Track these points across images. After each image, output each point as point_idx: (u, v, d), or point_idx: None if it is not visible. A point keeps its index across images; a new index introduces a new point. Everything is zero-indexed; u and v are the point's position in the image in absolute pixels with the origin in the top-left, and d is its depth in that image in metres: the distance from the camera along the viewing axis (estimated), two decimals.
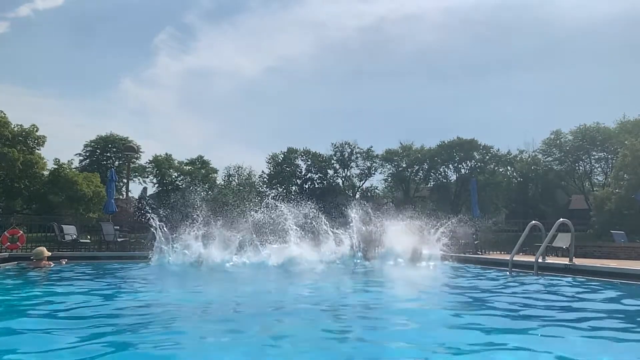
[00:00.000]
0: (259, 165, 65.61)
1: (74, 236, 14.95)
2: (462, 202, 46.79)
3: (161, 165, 49.74)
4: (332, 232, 13.09)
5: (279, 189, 45.51)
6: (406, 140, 51.25)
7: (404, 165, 50.80)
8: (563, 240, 12.79)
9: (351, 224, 13.38)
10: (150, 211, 12.07)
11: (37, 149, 34.02)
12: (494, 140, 62.52)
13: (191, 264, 11.23)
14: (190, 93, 75.08)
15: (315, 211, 13.11)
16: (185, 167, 50.74)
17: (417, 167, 51.31)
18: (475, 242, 15.52)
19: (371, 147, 50.75)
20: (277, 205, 12.82)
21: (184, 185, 45.85)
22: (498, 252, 15.29)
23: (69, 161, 38.02)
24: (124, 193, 41.62)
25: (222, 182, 49.86)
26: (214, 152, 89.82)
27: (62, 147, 77.07)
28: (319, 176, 50.68)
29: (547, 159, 47.55)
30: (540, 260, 9.77)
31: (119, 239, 15.47)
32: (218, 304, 6.27)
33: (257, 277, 9.95)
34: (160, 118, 74.88)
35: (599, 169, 46.32)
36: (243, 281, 9.22)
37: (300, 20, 73.60)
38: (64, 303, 5.75)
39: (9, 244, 13.20)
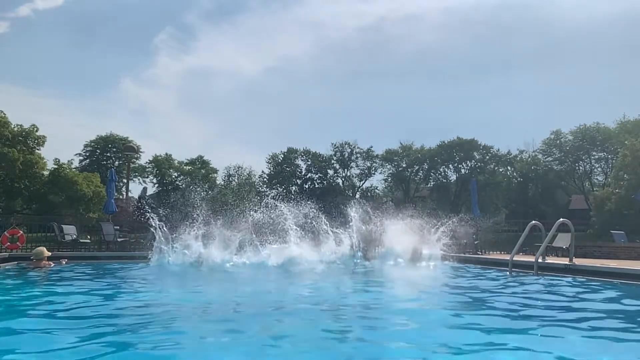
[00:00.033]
0: (259, 165, 65.65)
1: (74, 236, 14.95)
2: (462, 202, 46.80)
3: (161, 165, 49.72)
4: (332, 231, 13.08)
5: (279, 188, 45.51)
6: (406, 140, 51.31)
7: (404, 165, 50.80)
8: (563, 240, 12.79)
9: (351, 224, 13.38)
10: (149, 211, 12.07)
11: (37, 149, 34.02)
12: (494, 140, 62.59)
13: (191, 264, 11.23)
14: (190, 93, 75.15)
15: (315, 211, 13.11)
16: (185, 167, 50.73)
17: (417, 167, 51.31)
18: (475, 242, 15.53)
19: (371, 147, 50.80)
20: (276, 205, 12.81)
21: (183, 185, 45.85)
22: (498, 252, 15.29)
23: (69, 161, 38.07)
24: (124, 193, 41.62)
25: (222, 182, 49.85)
26: (214, 152, 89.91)
27: (62, 147, 77.22)
28: (319, 176, 50.69)
29: (547, 159, 47.55)
30: (540, 260, 9.77)
31: (119, 239, 15.47)
32: (218, 304, 6.26)
33: (257, 277, 9.95)
34: (160, 118, 74.94)
35: (599, 169, 46.33)
36: (243, 281, 9.22)
37: (300, 20, 73.65)
38: (64, 303, 5.75)
39: (9, 244, 13.20)
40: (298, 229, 12.66)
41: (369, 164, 51.36)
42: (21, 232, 13.93)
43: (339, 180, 51.26)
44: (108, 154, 49.86)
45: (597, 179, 47.02)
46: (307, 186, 49.60)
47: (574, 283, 8.18)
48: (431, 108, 72.27)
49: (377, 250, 13.74)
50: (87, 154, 49.49)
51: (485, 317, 5.21)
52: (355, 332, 4.41)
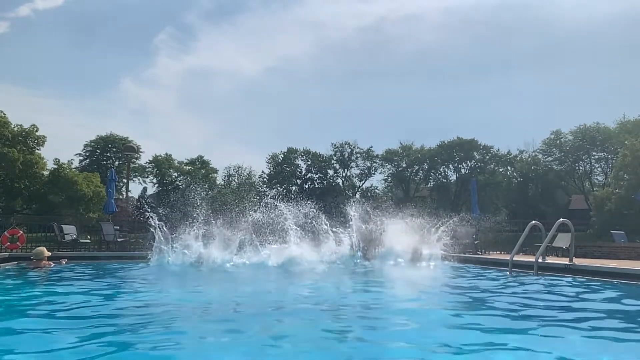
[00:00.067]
0: (259, 165, 65.63)
1: (74, 236, 14.94)
2: (462, 202, 46.81)
3: (161, 165, 49.76)
4: (332, 231, 13.07)
5: (279, 188, 45.54)
6: (406, 140, 51.36)
7: (404, 165, 50.84)
8: (563, 240, 12.78)
9: (350, 222, 13.36)
10: (149, 210, 12.06)
11: (37, 149, 34.05)
12: (494, 140, 62.64)
13: (191, 264, 11.23)
14: (190, 93, 75.20)
15: (315, 211, 13.10)
16: (185, 167, 50.76)
17: (417, 167, 51.37)
18: (475, 242, 15.52)
19: (371, 147, 50.86)
20: (276, 205, 12.81)
21: (183, 185, 45.88)
22: (498, 252, 15.28)
23: (69, 161, 38.11)
24: (124, 193, 41.63)
25: (222, 182, 49.86)
26: (214, 152, 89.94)
27: (62, 147, 77.26)
28: (319, 176, 50.71)
29: (547, 159, 47.57)
30: (540, 260, 9.77)
31: (119, 239, 15.47)
32: (218, 304, 6.26)
33: (257, 277, 9.95)
34: (160, 118, 75.01)
35: (599, 169, 46.37)
36: (243, 281, 9.22)
37: (300, 20, 73.69)
38: (64, 303, 5.75)
39: (9, 244, 13.19)
40: (298, 228, 12.65)
41: (369, 164, 51.42)
42: (21, 232, 13.93)
43: (339, 180, 51.31)
44: (108, 154, 49.89)
45: (597, 179, 47.06)
46: (307, 186, 49.61)
47: (574, 283, 8.18)
48: (431, 108, 72.40)
49: (377, 250, 13.73)
50: (87, 154, 49.54)
51: (485, 317, 5.21)
52: (355, 332, 4.41)
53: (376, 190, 52.51)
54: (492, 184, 47.64)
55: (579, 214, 40.91)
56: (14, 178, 31.95)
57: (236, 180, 49.45)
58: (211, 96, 76.58)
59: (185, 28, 71.77)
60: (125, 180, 38.41)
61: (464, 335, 4.26)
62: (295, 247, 12.23)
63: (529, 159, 47.80)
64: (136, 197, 48.36)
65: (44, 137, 34.21)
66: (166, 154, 50.97)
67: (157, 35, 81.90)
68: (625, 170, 31.62)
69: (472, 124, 74.24)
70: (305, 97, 77.72)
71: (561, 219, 10.26)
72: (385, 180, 53.34)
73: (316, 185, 50.02)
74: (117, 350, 3.54)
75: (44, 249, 10.54)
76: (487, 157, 49.36)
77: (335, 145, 50.79)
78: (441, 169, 50.91)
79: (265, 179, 50.37)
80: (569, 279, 8.57)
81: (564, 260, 10.06)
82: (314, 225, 13.01)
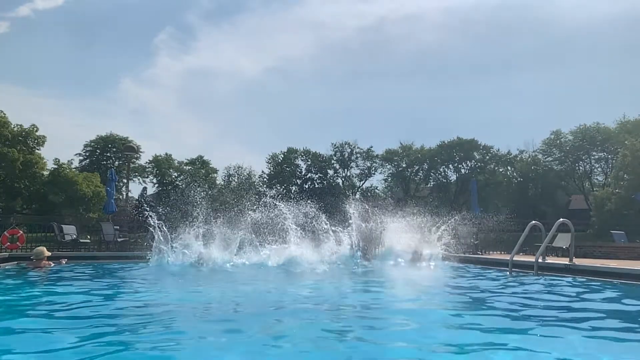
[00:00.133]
0: (259, 165, 65.64)
1: (74, 236, 14.94)
2: (462, 202, 46.81)
3: (161, 165, 49.77)
4: (332, 230, 13.06)
5: (279, 188, 45.54)
6: (406, 140, 51.37)
7: (404, 165, 50.85)
8: (563, 240, 12.79)
9: (350, 221, 13.34)
10: (148, 209, 12.04)
11: (37, 149, 34.06)
12: (494, 140, 62.68)
13: (191, 264, 11.23)
14: (190, 93, 75.17)
15: (315, 210, 13.09)
16: (185, 167, 50.76)
17: (417, 167, 51.37)
18: (475, 242, 15.52)
19: (371, 147, 50.87)
20: (275, 204, 12.80)
21: (183, 185, 45.90)
22: (498, 252, 15.28)
23: (69, 161, 38.12)
24: (124, 193, 41.63)
25: (222, 182, 49.87)
26: (214, 152, 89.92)
27: (62, 147, 77.21)
28: (319, 176, 50.71)
29: (547, 159, 47.57)
30: (540, 260, 9.77)
31: (119, 239, 15.47)
32: (218, 304, 6.27)
33: (257, 277, 9.94)
34: (160, 118, 75.00)
35: (599, 169, 46.36)
36: (243, 281, 9.21)
37: (300, 20, 73.70)
38: (64, 303, 5.75)
39: (8, 244, 13.19)
40: (298, 228, 12.64)
41: (369, 164, 51.44)
42: (21, 232, 13.92)
43: (339, 180, 51.31)
44: (108, 154, 49.88)
45: (597, 179, 47.05)
46: (307, 186, 49.62)
47: (574, 283, 8.18)
48: (431, 108, 72.36)
49: (377, 250, 13.73)
50: (87, 154, 49.52)
51: (485, 317, 5.21)
52: (355, 332, 4.41)
53: (376, 190, 52.55)
54: (492, 184, 47.64)
55: (579, 214, 40.92)
56: (14, 178, 31.96)
57: (236, 180, 49.46)
58: (211, 96, 76.67)
59: (185, 28, 71.89)
60: (125, 180, 38.41)
61: (464, 335, 4.26)
62: (295, 247, 12.22)
63: (529, 159, 47.80)
64: (136, 197, 48.35)
65: (44, 137, 34.23)
66: (166, 154, 51.02)
67: (157, 35, 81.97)
68: (625, 170, 31.61)
69: (472, 124, 74.39)
70: (305, 97, 77.80)
71: (561, 219, 10.27)
72: (385, 180, 53.42)
73: (316, 185, 50.03)
74: (117, 350, 3.54)
75: (44, 249, 10.54)
76: (487, 157, 49.37)
77: (335, 145, 50.83)
78: (441, 169, 50.91)
79: (265, 179, 50.38)
80: (569, 279, 8.57)
81: (564, 260, 10.06)
82: (314, 225, 13.00)
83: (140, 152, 47.45)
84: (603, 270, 8.72)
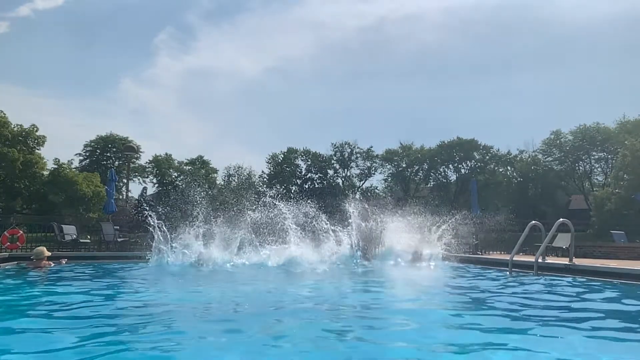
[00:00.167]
0: (259, 165, 65.63)
1: (74, 236, 14.94)
2: (462, 202, 46.80)
3: (161, 165, 49.77)
4: (332, 230, 13.06)
5: (279, 188, 45.54)
6: (406, 140, 51.37)
7: (404, 165, 50.86)
8: (563, 240, 12.79)
9: (350, 220, 13.33)
10: (147, 209, 12.04)
11: (37, 149, 34.03)
12: (494, 140, 62.63)
13: (191, 264, 11.23)
14: (190, 93, 75.11)
15: (315, 210, 13.09)
16: (185, 167, 50.76)
17: (417, 167, 51.37)
18: (475, 242, 15.53)
19: (371, 147, 50.88)
20: (275, 204, 12.80)
21: (183, 185, 45.93)
22: (498, 252, 15.29)
23: (69, 161, 38.05)
24: (124, 193, 41.63)
25: (222, 182, 49.88)
26: (214, 152, 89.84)
27: (62, 147, 77.11)
28: (319, 176, 50.71)
29: (547, 159, 47.57)
30: (540, 260, 9.78)
31: (119, 239, 15.47)
32: (218, 304, 6.27)
33: (257, 277, 9.95)
34: (160, 118, 74.95)
35: (599, 169, 46.35)
36: (243, 281, 9.22)
37: (300, 20, 73.64)
38: (64, 303, 5.76)
39: (8, 244, 13.19)
40: (298, 228, 12.64)
41: (369, 164, 51.45)
42: (21, 232, 13.92)
43: (339, 180, 51.31)
44: (108, 154, 49.88)
45: (597, 179, 47.04)
46: (307, 186, 49.63)
47: (574, 283, 8.18)
48: (431, 108, 72.28)
49: (377, 250, 13.73)
50: (87, 154, 49.52)
51: (485, 317, 5.21)
52: (355, 332, 4.41)
53: (376, 190, 52.56)
54: (492, 184, 47.63)
55: (579, 214, 40.90)
56: (14, 178, 31.93)
57: (236, 180, 49.47)
58: (211, 96, 76.62)
59: (185, 28, 71.80)
60: (125, 180, 38.43)
61: (463, 335, 4.26)
62: (295, 248, 12.23)
63: (529, 159, 47.80)
64: (136, 197, 48.35)
65: (44, 137, 34.21)
66: (166, 154, 51.03)
67: (157, 35, 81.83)
68: (625, 170, 31.61)
69: (472, 124, 74.12)
70: (305, 97, 77.72)
71: (561, 219, 10.27)
72: (385, 180, 53.42)
73: (316, 185, 50.03)
74: (117, 350, 3.54)
75: (44, 249, 10.54)
76: (487, 157, 49.37)
77: (335, 145, 50.84)
78: (441, 169, 50.92)
79: (265, 179, 50.38)
80: (569, 279, 8.57)
81: (564, 260, 10.07)
82: (314, 224, 13.00)
83: (140, 152, 47.50)
84: (603, 270, 8.72)
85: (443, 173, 51.19)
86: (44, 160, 34.26)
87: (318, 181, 50.61)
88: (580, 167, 46.22)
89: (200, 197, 12.80)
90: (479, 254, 14.41)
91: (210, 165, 51.69)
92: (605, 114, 77.46)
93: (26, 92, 63.47)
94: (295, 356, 3.57)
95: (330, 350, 3.72)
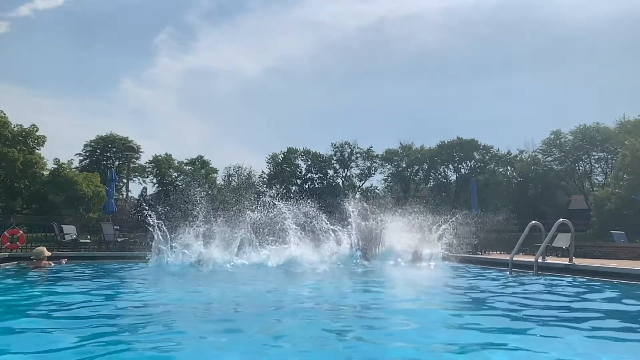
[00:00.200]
0: (259, 165, 65.63)
1: (74, 236, 14.95)
2: (462, 202, 46.81)
3: (161, 165, 49.75)
4: (332, 229, 13.06)
5: (279, 188, 45.54)
6: (406, 140, 51.36)
7: (404, 165, 50.86)
8: (563, 240, 12.79)
9: (349, 219, 13.32)
10: (147, 208, 12.03)
11: (37, 149, 34.03)
12: (494, 140, 62.62)
13: (191, 264, 11.22)
14: (190, 93, 75.09)
15: (315, 210, 13.09)
16: (185, 167, 50.75)
17: (417, 167, 51.38)
18: (475, 242, 15.52)
19: (371, 147, 50.88)
20: (274, 204, 12.80)
21: (183, 185, 45.93)
22: (498, 252, 15.29)
23: (69, 161, 38.06)
24: (124, 193, 41.62)
25: (222, 182, 49.88)
26: (214, 152, 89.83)
27: (62, 147, 77.12)
28: (319, 176, 50.72)
29: (547, 159, 47.57)
30: (540, 260, 9.78)
31: (118, 239, 15.47)
32: (218, 304, 6.27)
33: (257, 277, 9.95)
34: (160, 118, 74.93)
35: (599, 169, 46.35)
36: (243, 281, 9.22)
37: (300, 20, 73.64)
38: (64, 303, 5.76)
39: (8, 243, 13.19)
40: (297, 228, 12.64)
41: (369, 164, 51.44)
42: (21, 232, 13.92)
43: (339, 180, 51.31)
44: (108, 154, 49.86)
45: (597, 179, 47.04)
46: (307, 186, 49.63)
47: (574, 283, 8.18)
48: (431, 108, 72.27)
49: (377, 250, 13.72)
50: (87, 154, 49.50)
51: (485, 317, 5.21)
52: (355, 332, 4.41)
53: (376, 191, 52.57)
54: (492, 184, 47.63)
55: (579, 214, 40.90)
56: (14, 178, 31.93)
57: (236, 180, 49.47)
58: (211, 96, 76.60)
59: (185, 28, 71.80)
60: (125, 180, 38.43)
61: (463, 335, 4.26)
62: (295, 248, 12.23)
63: (529, 159, 47.80)
64: (136, 197, 48.36)
65: (44, 137, 34.21)
66: (166, 154, 51.00)
67: (157, 35, 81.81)
68: (625, 170, 31.61)
69: (472, 124, 74.10)
70: (305, 97, 77.70)
71: (561, 219, 10.27)
72: (385, 180, 53.42)
73: (316, 185, 50.03)
74: (117, 350, 3.54)
75: (44, 249, 10.54)
76: (487, 157, 49.38)
77: (335, 145, 50.84)
78: (441, 169, 50.92)
79: (265, 179, 50.39)
80: (569, 279, 8.57)
81: (564, 260, 10.07)
82: (314, 224, 13.00)
83: (140, 152, 47.47)
84: (603, 270, 8.72)
85: (443, 173, 51.21)
86: (44, 160, 34.28)
87: (318, 181, 50.62)
88: (580, 167, 46.22)
89: (200, 197, 12.79)
90: (479, 254, 14.41)
91: (210, 165, 51.69)
92: (605, 114, 77.52)
93: (26, 92, 63.54)
94: (295, 356, 3.57)
95: (330, 350, 3.72)
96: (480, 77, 73.68)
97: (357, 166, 51.51)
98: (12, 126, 32.55)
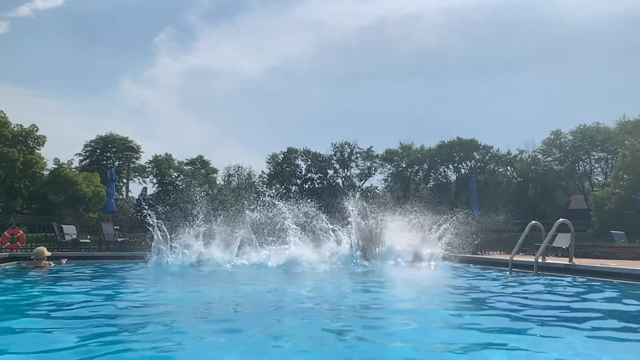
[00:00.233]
0: (259, 165, 65.61)
1: (74, 236, 14.95)
2: (462, 202, 46.81)
3: (161, 165, 49.76)
4: (332, 229, 13.05)
5: (279, 188, 45.54)
6: (406, 140, 51.39)
7: (404, 165, 50.88)
8: (563, 240, 12.79)
9: (349, 219, 13.31)
10: (146, 208, 12.03)
11: (37, 149, 34.04)
12: (494, 140, 62.53)
13: (191, 264, 11.22)
14: (190, 93, 75.09)
15: (314, 209, 13.08)
16: (185, 167, 50.77)
17: (417, 167, 51.40)
18: (475, 242, 15.51)
19: (371, 147, 50.93)
20: (274, 203, 12.79)
21: (183, 185, 45.95)
22: (498, 252, 15.29)
23: (69, 161, 38.07)
24: (124, 193, 41.62)
25: (222, 182, 49.89)
26: (214, 152, 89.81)
27: (62, 147, 77.10)
28: (319, 176, 50.73)
29: (547, 159, 47.57)
30: (540, 260, 9.77)
31: (118, 239, 15.47)
32: (218, 304, 6.27)
33: (257, 277, 9.95)
34: (160, 118, 74.92)
35: (599, 169, 46.37)
36: (243, 281, 9.22)
37: (300, 20, 73.65)
38: (64, 303, 5.76)
39: (9, 243, 13.19)
40: (297, 228, 12.64)
41: (369, 164, 51.49)
42: (21, 232, 13.92)
43: (339, 180, 51.32)
44: (108, 154, 49.86)
45: (597, 179, 47.05)
46: (307, 186, 49.65)
47: (574, 283, 8.18)
48: (431, 108, 72.23)
49: (377, 250, 13.71)
50: (87, 154, 49.51)
51: (485, 317, 5.21)
52: (355, 332, 4.41)
53: (376, 191, 52.60)
54: (492, 184, 47.64)
55: (579, 214, 40.90)
56: (14, 178, 31.94)
57: (236, 180, 49.48)
58: (211, 96, 76.59)
59: (185, 28, 71.81)
60: (125, 180, 38.42)
61: (463, 335, 4.26)
62: (295, 248, 12.22)
63: (529, 159, 47.81)
64: (136, 197, 48.36)
65: (44, 137, 34.21)
66: (166, 154, 51.02)
67: (157, 35, 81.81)
68: (625, 170, 31.61)
69: (472, 124, 73.98)
70: (305, 97, 77.67)
71: (561, 219, 10.26)
72: (385, 180, 53.45)
73: (316, 185, 50.04)
74: (117, 350, 3.54)
75: (44, 249, 10.54)
76: (487, 157, 49.41)
77: (335, 145, 50.88)
78: (441, 169, 50.95)
79: (265, 179, 50.40)
80: (569, 279, 8.57)
81: (564, 260, 10.07)
82: (314, 224, 12.99)
83: (140, 152, 47.47)
84: (603, 270, 8.72)
85: (443, 173, 51.25)
86: (44, 160, 34.30)
87: (318, 181, 50.64)
88: (580, 167, 46.22)
89: (200, 197, 12.79)
90: (479, 254, 14.40)
91: (210, 165, 51.72)
92: (605, 114, 77.47)
93: (26, 92, 63.52)
94: (295, 356, 3.57)
95: (330, 350, 3.72)
96: (480, 77, 73.73)
97: (357, 166, 51.62)
98: (12, 126, 32.56)
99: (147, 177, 51.28)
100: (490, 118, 69.81)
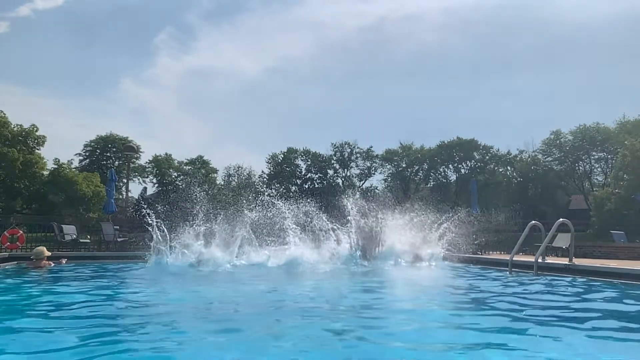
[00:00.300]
0: (259, 165, 65.59)
1: (74, 236, 14.95)
2: (462, 202, 46.82)
3: (161, 165, 49.76)
4: (332, 229, 13.04)
5: (279, 188, 45.56)
6: (406, 140, 51.37)
7: (404, 165, 50.87)
8: (563, 240, 12.79)
9: (349, 218, 13.29)
10: (145, 207, 12.02)
11: (37, 149, 34.01)
12: (494, 140, 62.48)
13: (190, 264, 11.22)
14: (190, 93, 74.99)
15: (314, 209, 13.07)
16: (185, 167, 50.77)
17: (417, 167, 51.39)
18: (475, 242, 15.51)
19: (371, 147, 50.90)
20: (273, 203, 12.79)
21: (183, 185, 45.95)
22: (498, 252, 15.28)
23: (68, 161, 38.03)
24: (124, 193, 41.63)
25: (222, 182, 49.89)
26: (214, 152, 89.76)
27: (62, 147, 77.02)
28: (319, 176, 50.73)
29: (547, 159, 47.56)
30: (540, 260, 9.77)
31: (118, 239, 15.47)
32: (218, 304, 6.27)
33: (257, 277, 9.95)
34: (160, 118, 74.82)
35: (599, 169, 46.35)
36: (243, 281, 9.22)
37: (300, 20, 73.60)
38: (64, 303, 5.76)
39: (8, 243, 13.19)
40: (297, 228, 12.63)
41: (369, 164, 51.46)
42: (21, 232, 13.92)
43: (339, 180, 51.32)
44: (108, 154, 49.83)
45: (597, 179, 47.03)
46: (307, 186, 49.65)
47: (574, 283, 8.18)
48: (431, 108, 72.15)
49: (377, 250, 13.70)
50: (87, 154, 49.48)
51: (485, 317, 5.21)
52: (355, 332, 4.41)
53: (376, 191, 52.58)
54: (492, 184, 47.63)
55: (579, 214, 40.89)
56: (14, 178, 31.92)
57: (236, 180, 49.47)
58: (211, 96, 76.51)
59: (185, 28, 71.73)
60: (125, 180, 38.40)
61: (463, 335, 4.26)
62: (295, 248, 12.22)
63: (529, 159, 47.80)
64: (136, 197, 48.36)
65: (44, 137, 34.19)
66: (166, 154, 51.01)
67: (157, 35, 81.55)
68: (625, 170, 31.61)
69: (472, 124, 73.91)
70: (305, 97, 77.58)
71: (561, 219, 10.26)
72: (385, 180, 53.44)
73: (316, 185, 50.04)
74: (117, 351, 3.54)
75: (44, 248, 10.55)
76: (487, 157, 49.39)
77: (335, 145, 50.86)
78: (441, 169, 50.94)
79: (265, 179, 50.39)
80: (569, 279, 8.57)
81: (564, 260, 10.06)
82: (314, 224, 12.98)
83: (140, 152, 47.46)
84: (603, 270, 8.72)
85: (443, 173, 51.23)
86: (44, 160, 34.27)
87: (318, 181, 50.63)
88: (580, 167, 46.22)
89: (200, 197, 12.78)
90: (479, 254, 14.40)
91: (210, 165, 51.71)
92: (605, 114, 77.37)
93: (26, 92, 63.47)
94: (295, 356, 3.57)
95: (330, 350, 3.72)
96: (480, 77, 73.66)
97: (357, 166, 51.59)
98: (12, 126, 32.54)
99: (147, 177, 51.30)
100: (490, 118, 69.87)
